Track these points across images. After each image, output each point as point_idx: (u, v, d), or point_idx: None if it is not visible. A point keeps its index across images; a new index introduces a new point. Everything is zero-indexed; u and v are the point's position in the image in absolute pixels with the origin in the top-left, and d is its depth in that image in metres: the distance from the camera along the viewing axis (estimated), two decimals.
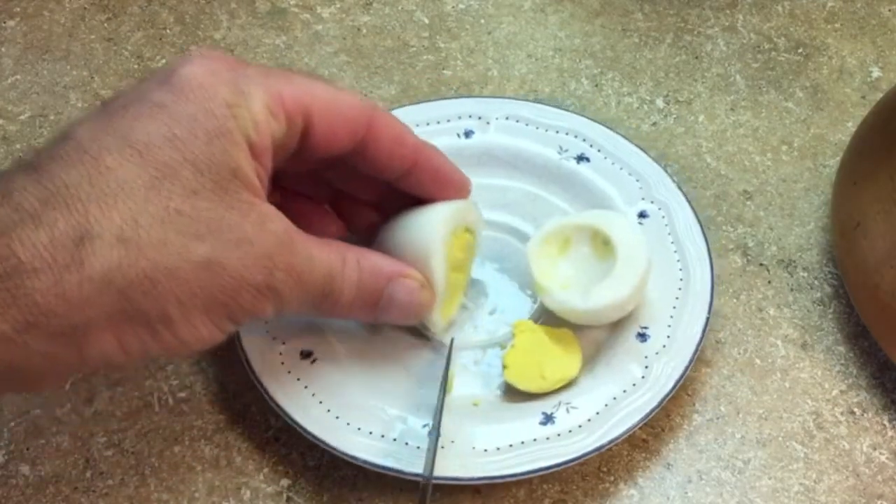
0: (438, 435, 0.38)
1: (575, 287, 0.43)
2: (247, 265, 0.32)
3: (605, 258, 0.44)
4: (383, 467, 0.39)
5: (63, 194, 0.30)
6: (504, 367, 0.42)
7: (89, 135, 0.31)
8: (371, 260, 0.37)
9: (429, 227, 0.39)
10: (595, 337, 0.44)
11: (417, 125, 0.50)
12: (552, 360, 0.42)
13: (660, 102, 0.56)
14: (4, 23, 0.61)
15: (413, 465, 0.39)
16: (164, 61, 0.58)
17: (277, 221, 0.34)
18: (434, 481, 0.37)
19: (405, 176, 0.40)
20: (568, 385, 0.42)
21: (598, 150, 0.50)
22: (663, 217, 0.47)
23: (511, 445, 0.39)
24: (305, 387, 0.41)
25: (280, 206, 0.35)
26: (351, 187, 0.43)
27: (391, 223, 0.41)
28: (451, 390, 0.42)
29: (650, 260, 0.43)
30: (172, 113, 0.32)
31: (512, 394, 0.42)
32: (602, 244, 0.44)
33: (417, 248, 0.39)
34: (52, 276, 0.29)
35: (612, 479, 0.42)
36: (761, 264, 0.49)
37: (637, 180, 0.48)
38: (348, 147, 0.37)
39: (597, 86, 0.57)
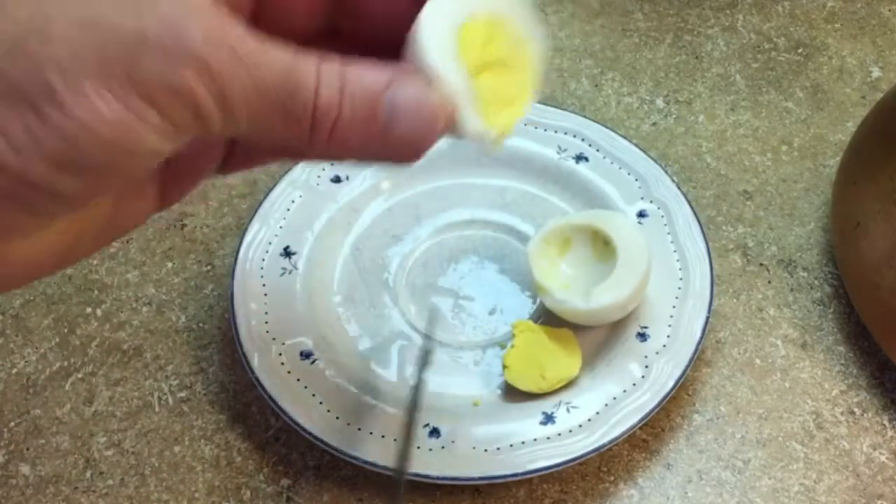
0: (412, 431, 0.38)
1: (575, 287, 0.43)
2: (150, 26, 0.24)
3: (606, 258, 0.44)
4: (383, 467, 0.39)
5: None
6: (504, 367, 0.42)
7: None
8: (359, 66, 0.28)
9: (421, 21, 0.30)
10: (595, 337, 0.44)
11: None
12: (552, 360, 0.42)
13: (660, 102, 0.56)
14: None
15: (413, 465, 0.39)
16: None
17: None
18: (434, 481, 0.37)
19: None
20: (568, 385, 0.42)
21: (597, 150, 0.50)
22: (662, 217, 0.47)
23: (511, 445, 0.40)
24: (305, 387, 0.41)
25: None
26: (366, 23, 0.33)
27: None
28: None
29: (650, 260, 0.43)
30: None
31: (512, 394, 0.42)
32: (602, 244, 0.44)
33: (416, 51, 0.30)
34: None
35: (612, 479, 0.42)
36: (761, 264, 0.49)
37: (636, 180, 0.48)
38: None
39: (597, 86, 0.57)
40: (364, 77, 0.28)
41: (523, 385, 0.42)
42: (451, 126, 0.30)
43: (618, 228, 0.43)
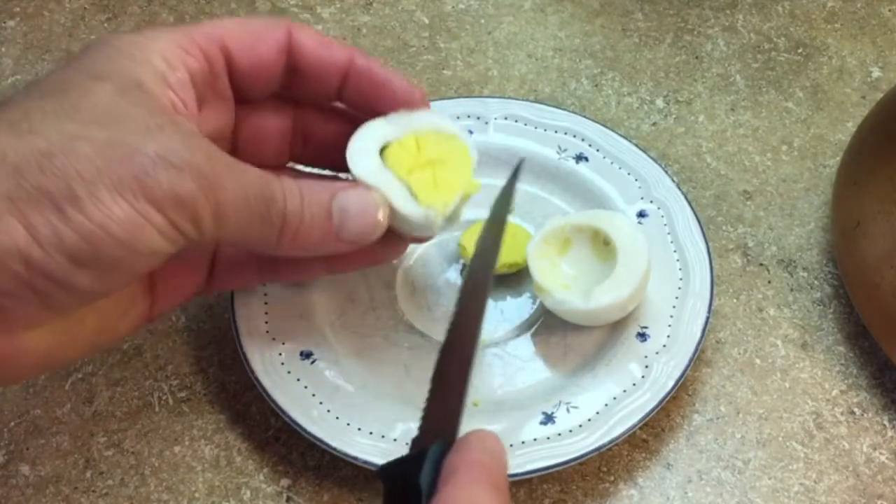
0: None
1: (575, 287, 0.43)
2: (159, 145, 0.30)
3: (606, 258, 0.44)
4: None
5: None
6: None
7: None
8: (309, 180, 0.36)
9: (351, 151, 0.38)
10: (595, 337, 0.44)
11: None
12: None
13: (660, 102, 0.56)
14: (4, 23, 0.61)
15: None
16: None
17: (192, 128, 0.32)
18: None
19: (345, 88, 0.39)
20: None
21: (597, 150, 0.50)
22: (662, 217, 0.47)
23: (511, 445, 0.39)
24: (305, 387, 0.41)
25: None
26: (318, 133, 0.41)
27: None
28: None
29: (650, 260, 0.43)
30: (75, 62, 0.32)
31: (512, 394, 0.42)
32: (602, 244, 0.44)
33: (352, 170, 0.38)
34: None
35: (612, 479, 0.42)
36: (761, 264, 0.49)
37: (636, 180, 0.48)
38: (278, 63, 0.37)
39: (597, 86, 0.57)
40: (316, 188, 0.35)
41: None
42: (393, 217, 0.37)
43: (618, 228, 0.43)
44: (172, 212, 0.30)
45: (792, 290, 0.48)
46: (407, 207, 0.37)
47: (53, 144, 0.29)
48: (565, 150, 0.50)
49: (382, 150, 0.38)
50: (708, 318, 0.43)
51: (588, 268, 0.44)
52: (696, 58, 0.59)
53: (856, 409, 0.44)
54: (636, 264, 0.42)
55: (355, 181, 0.37)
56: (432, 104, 0.51)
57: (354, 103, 0.40)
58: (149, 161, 0.29)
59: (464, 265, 0.47)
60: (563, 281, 0.44)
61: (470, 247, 0.43)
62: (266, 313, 0.43)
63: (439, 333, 0.44)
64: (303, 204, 0.34)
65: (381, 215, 0.36)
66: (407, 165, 0.39)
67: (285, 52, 0.37)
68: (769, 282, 0.48)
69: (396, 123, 0.39)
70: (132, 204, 0.29)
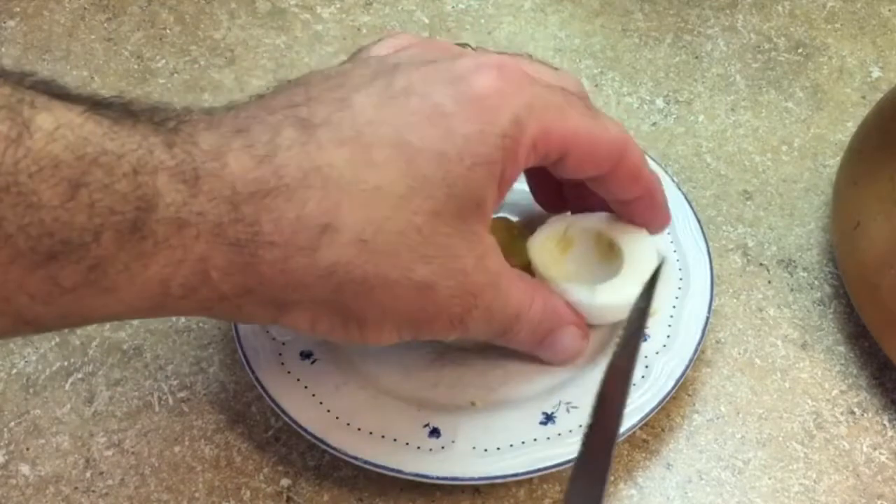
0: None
1: (577, 282, 0.43)
2: (454, 296, 0.33)
3: (610, 259, 0.43)
4: (383, 467, 0.39)
5: (324, 174, 0.30)
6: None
7: (367, 113, 0.31)
8: (554, 304, 0.39)
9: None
10: (595, 336, 0.44)
11: None
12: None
13: (660, 102, 0.56)
14: (4, 23, 0.61)
15: (413, 465, 0.39)
16: (164, 62, 0.58)
17: (494, 258, 0.35)
18: (434, 481, 0.37)
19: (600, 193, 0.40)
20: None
21: None
22: None
23: (511, 445, 0.39)
24: (305, 387, 0.41)
25: None
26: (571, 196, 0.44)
27: None
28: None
29: (657, 259, 0.42)
30: (452, 126, 0.31)
31: (511, 394, 0.42)
32: (606, 247, 0.44)
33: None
34: (284, 252, 0.30)
35: (612, 479, 0.42)
36: (761, 264, 0.49)
37: None
38: (589, 177, 0.38)
39: (597, 86, 0.57)
40: (554, 314, 0.39)
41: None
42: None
43: (623, 231, 0.43)
44: (423, 339, 0.36)
45: (792, 290, 0.48)
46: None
47: (379, 277, 0.31)
48: None
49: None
50: (708, 318, 0.43)
51: (591, 267, 0.44)
52: (696, 58, 0.59)
53: (856, 409, 0.44)
54: (642, 265, 0.42)
55: (580, 318, 0.40)
56: None
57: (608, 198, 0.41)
58: (437, 313, 0.33)
59: None
60: (565, 274, 0.43)
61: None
62: None
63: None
64: (533, 331, 0.38)
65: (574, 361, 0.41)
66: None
67: (602, 173, 0.37)
68: (769, 282, 0.48)
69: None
70: (400, 335, 0.34)
